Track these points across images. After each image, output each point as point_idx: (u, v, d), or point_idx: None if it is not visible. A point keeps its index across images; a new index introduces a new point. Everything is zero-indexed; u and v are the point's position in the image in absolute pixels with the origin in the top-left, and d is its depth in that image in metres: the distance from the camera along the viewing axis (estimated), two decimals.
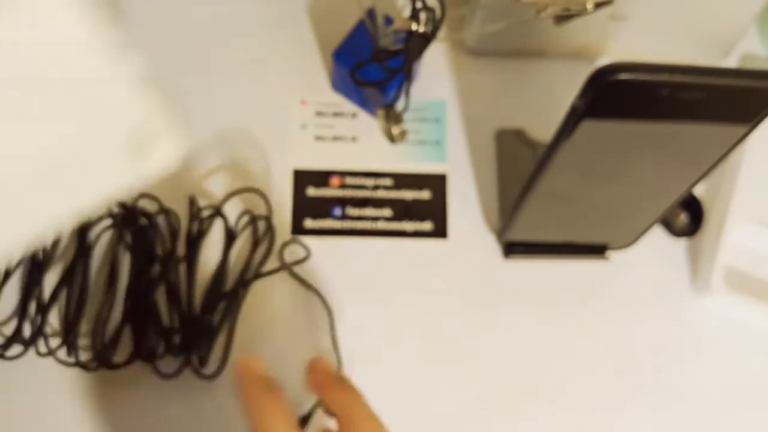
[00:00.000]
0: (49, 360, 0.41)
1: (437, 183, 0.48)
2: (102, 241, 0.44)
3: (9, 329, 0.41)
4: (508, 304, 0.45)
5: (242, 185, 0.46)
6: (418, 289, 0.45)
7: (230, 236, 0.44)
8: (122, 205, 0.44)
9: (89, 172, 0.23)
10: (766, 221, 0.46)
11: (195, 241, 0.44)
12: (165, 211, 0.44)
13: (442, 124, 0.49)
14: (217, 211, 0.45)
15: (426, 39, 0.41)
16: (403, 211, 0.47)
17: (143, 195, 0.44)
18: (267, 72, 0.49)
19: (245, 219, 0.45)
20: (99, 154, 0.23)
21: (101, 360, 0.41)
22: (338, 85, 0.49)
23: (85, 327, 0.42)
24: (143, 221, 0.44)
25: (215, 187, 0.46)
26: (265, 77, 0.49)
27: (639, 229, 0.43)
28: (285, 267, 0.44)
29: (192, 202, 0.45)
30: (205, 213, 0.45)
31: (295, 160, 0.48)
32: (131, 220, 0.43)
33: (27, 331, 0.41)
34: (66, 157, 0.22)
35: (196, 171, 0.47)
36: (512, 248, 0.45)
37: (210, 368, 0.42)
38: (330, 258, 0.45)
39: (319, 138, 0.48)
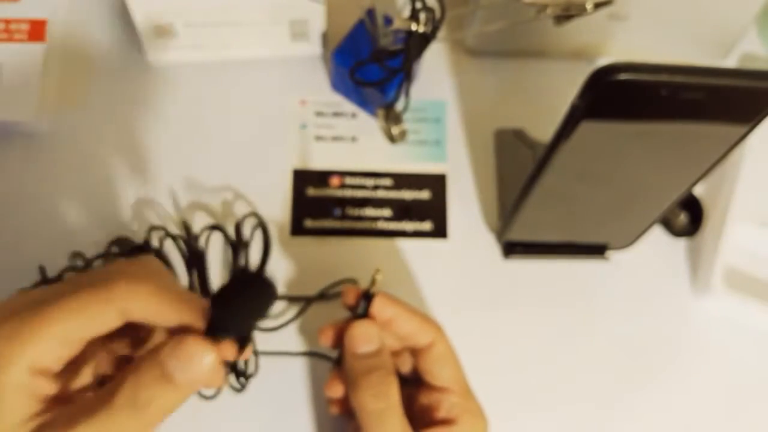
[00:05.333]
0: None
1: (437, 183, 0.48)
2: None
3: None
4: (507, 304, 0.45)
5: (242, 186, 0.46)
6: (418, 289, 0.45)
7: (234, 247, 0.44)
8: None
9: (268, 32, 0.47)
10: (766, 221, 0.46)
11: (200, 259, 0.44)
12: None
13: (442, 124, 0.49)
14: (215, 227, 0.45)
15: (426, 39, 0.41)
16: (403, 211, 0.47)
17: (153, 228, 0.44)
18: (267, 72, 0.49)
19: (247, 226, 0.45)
20: (274, 26, 0.47)
21: None
22: (338, 85, 0.49)
23: None
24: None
25: (215, 191, 0.46)
26: (265, 77, 0.49)
27: (639, 229, 0.43)
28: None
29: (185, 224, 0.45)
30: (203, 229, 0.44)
31: (295, 160, 0.47)
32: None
33: None
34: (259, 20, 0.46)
35: (194, 172, 0.47)
36: (512, 248, 0.45)
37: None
38: (330, 258, 0.45)
39: (319, 138, 0.48)
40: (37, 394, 0.27)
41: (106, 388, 0.28)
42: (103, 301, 0.28)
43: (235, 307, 0.30)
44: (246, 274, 0.32)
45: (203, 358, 0.28)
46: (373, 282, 0.36)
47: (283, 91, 0.49)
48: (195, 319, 0.29)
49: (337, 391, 0.37)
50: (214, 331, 0.29)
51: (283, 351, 0.43)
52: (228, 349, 0.29)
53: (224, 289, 0.31)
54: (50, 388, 0.28)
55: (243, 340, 0.30)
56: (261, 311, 0.32)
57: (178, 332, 0.29)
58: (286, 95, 0.49)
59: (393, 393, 0.34)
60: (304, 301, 0.44)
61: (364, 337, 0.35)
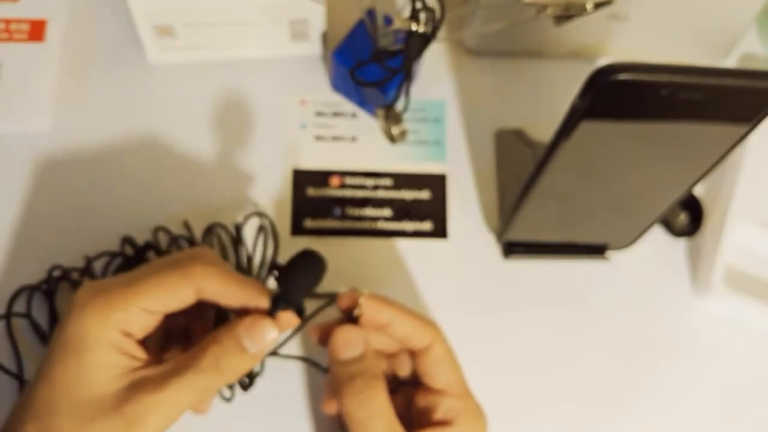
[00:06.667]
0: None
1: (437, 183, 0.48)
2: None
3: None
4: (507, 304, 0.45)
5: (242, 186, 0.46)
6: (418, 289, 0.45)
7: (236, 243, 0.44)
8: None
9: (268, 32, 0.47)
10: (766, 221, 0.46)
11: None
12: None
13: (442, 124, 0.49)
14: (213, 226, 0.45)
15: (426, 39, 0.41)
16: (403, 211, 0.47)
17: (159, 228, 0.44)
18: (267, 72, 0.49)
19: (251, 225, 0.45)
20: (274, 26, 0.47)
21: None
22: (338, 85, 0.49)
23: None
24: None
25: (215, 191, 0.46)
26: (265, 77, 0.49)
27: (639, 229, 0.43)
28: None
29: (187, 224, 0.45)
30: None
31: (295, 160, 0.48)
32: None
33: None
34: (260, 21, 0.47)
35: (194, 172, 0.47)
36: (512, 248, 0.45)
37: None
38: (330, 258, 0.45)
39: (319, 138, 0.48)
40: (128, 353, 0.32)
41: (189, 353, 0.33)
42: (182, 279, 0.33)
43: (295, 284, 0.35)
44: (301, 253, 0.36)
45: (270, 335, 0.34)
46: (357, 306, 0.36)
47: (283, 91, 0.49)
48: (257, 298, 0.34)
49: (332, 408, 0.38)
50: (276, 307, 0.34)
51: (282, 353, 0.43)
52: (290, 321, 0.35)
53: (284, 268, 0.36)
54: (137, 351, 0.33)
55: (300, 312, 0.35)
56: (315, 283, 0.36)
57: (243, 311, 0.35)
58: (286, 95, 0.49)
59: (379, 399, 0.34)
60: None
61: (346, 343, 0.35)
